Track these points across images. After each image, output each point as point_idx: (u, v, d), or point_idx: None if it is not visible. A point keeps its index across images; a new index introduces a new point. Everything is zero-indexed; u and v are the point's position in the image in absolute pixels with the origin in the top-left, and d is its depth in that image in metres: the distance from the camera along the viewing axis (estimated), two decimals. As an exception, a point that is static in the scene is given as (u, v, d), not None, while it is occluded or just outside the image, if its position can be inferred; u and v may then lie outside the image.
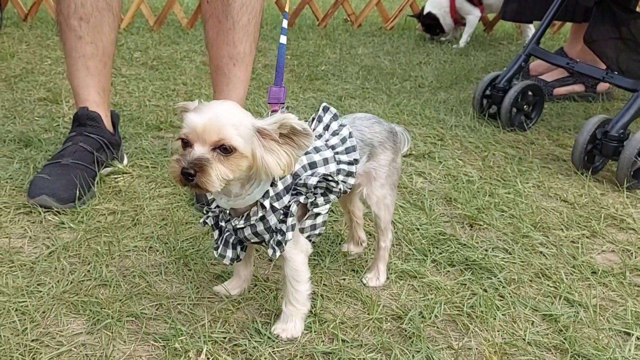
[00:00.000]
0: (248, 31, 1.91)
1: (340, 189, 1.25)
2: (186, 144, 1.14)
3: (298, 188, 1.22)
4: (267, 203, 1.19)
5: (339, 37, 4.00)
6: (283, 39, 1.37)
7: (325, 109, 1.34)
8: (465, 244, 1.68)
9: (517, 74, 2.66)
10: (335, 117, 1.33)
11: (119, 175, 1.90)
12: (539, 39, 2.63)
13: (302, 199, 1.22)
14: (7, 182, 1.80)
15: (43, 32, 3.35)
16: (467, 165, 2.19)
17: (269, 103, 1.31)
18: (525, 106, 2.61)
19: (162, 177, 1.92)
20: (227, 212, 1.26)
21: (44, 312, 1.30)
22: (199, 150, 1.12)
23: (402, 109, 2.70)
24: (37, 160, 1.95)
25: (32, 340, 1.21)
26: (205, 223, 1.32)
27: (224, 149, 1.12)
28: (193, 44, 3.49)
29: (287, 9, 1.42)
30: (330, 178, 1.23)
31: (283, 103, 1.31)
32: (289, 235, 1.20)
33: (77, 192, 1.69)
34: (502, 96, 2.59)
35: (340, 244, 1.65)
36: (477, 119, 2.63)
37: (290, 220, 1.20)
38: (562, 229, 1.81)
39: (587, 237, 1.78)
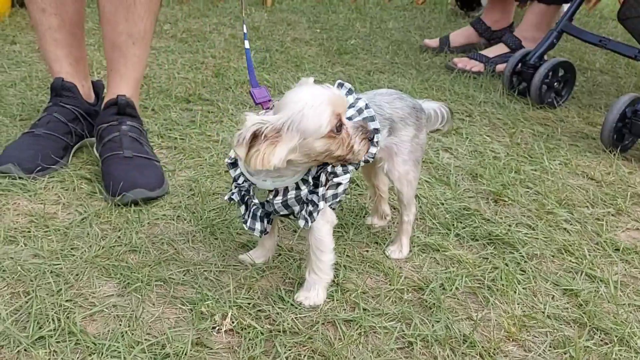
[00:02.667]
0: (150, 8, 1.84)
1: (359, 161, 1.28)
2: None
3: None
4: (310, 178, 1.23)
5: (370, 10, 3.98)
6: (247, 44, 1.41)
7: (340, 85, 1.35)
8: (489, 219, 1.69)
9: (549, 50, 2.63)
10: (350, 92, 1.34)
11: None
12: (572, 15, 2.59)
13: (329, 168, 1.25)
14: (41, 150, 1.85)
15: None
16: (494, 142, 2.19)
17: (257, 104, 1.32)
18: (555, 83, 2.58)
19: (189, 148, 1.95)
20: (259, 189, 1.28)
21: (77, 275, 1.35)
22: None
23: (431, 84, 2.69)
24: (70, 129, 1.99)
25: (66, 301, 1.26)
26: (230, 199, 1.34)
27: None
28: (222, 17, 3.50)
29: (243, 14, 1.44)
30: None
31: (271, 100, 1.32)
32: (321, 204, 1.23)
33: (42, 162, 1.70)
34: (532, 73, 2.56)
35: (364, 217, 1.67)
36: (506, 96, 2.61)
37: (321, 190, 1.23)
38: (587, 206, 1.81)
39: (612, 215, 1.77)
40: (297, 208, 1.26)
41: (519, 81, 2.65)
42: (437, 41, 3.21)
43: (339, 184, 1.29)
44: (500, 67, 2.90)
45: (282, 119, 1.15)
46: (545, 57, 2.64)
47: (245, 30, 1.41)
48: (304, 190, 1.24)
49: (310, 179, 1.24)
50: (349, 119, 1.31)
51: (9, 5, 3.09)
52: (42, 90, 2.28)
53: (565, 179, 1.96)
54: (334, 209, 1.34)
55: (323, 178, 1.24)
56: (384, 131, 1.38)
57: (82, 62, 1.91)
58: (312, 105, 1.15)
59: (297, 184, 1.24)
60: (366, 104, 1.34)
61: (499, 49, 2.99)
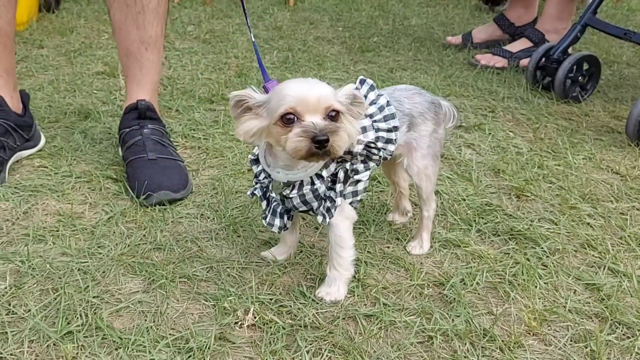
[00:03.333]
0: (159, 13, 1.85)
1: (380, 156, 1.28)
2: (289, 120, 1.17)
3: (343, 156, 1.25)
4: (325, 173, 1.24)
5: (392, 7, 3.97)
6: (252, 38, 1.46)
7: (362, 81, 1.37)
8: (511, 215, 1.69)
9: (573, 44, 2.60)
10: (372, 88, 1.36)
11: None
12: (596, 8, 2.56)
13: (347, 165, 1.26)
14: (68, 152, 1.89)
15: (100, 7, 3.45)
16: (517, 137, 2.18)
17: None
18: (580, 77, 2.55)
19: (213, 148, 1.98)
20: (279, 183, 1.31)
21: (103, 272, 1.38)
22: (316, 119, 1.17)
23: (454, 80, 2.69)
24: (95, 131, 2.04)
25: (94, 297, 1.30)
26: (253, 194, 1.37)
27: (332, 116, 1.18)
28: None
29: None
30: (372, 146, 1.26)
31: None
32: (339, 201, 1.25)
33: None
34: (556, 67, 2.54)
35: (385, 213, 1.68)
36: (530, 91, 2.60)
37: (338, 187, 1.25)
38: (611, 201, 1.79)
39: (637, 209, 1.76)
40: (315, 204, 1.28)
41: (543, 76, 2.63)
42: (459, 38, 3.20)
43: (358, 181, 1.30)
44: (524, 61, 2.88)
45: (263, 98, 1.20)
46: (570, 50, 2.61)
47: (249, 24, 1.45)
48: (322, 186, 1.26)
49: (324, 174, 1.25)
50: (370, 116, 1.33)
51: (36, 11, 3.16)
52: (69, 93, 2.33)
53: (589, 174, 1.94)
54: (355, 207, 1.35)
55: (341, 175, 1.25)
56: (403, 127, 1.39)
57: (11, 73, 1.85)
58: (280, 94, 1.18)
59: (311, 178, 1.25)
60: (387, 101, 1.35)
61: (522, 43, 2.97)
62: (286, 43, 3.11)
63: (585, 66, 2.58)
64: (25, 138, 1.83)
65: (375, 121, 1.32)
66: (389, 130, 1.33)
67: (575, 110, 2.46)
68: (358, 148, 1.25)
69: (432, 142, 1.45)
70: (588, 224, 1.67)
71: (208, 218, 1.62)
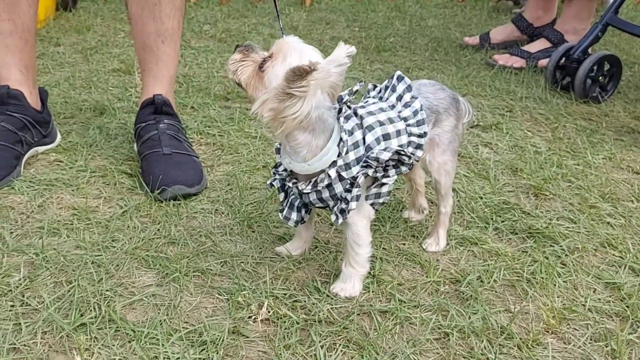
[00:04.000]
0: (175, 6, 1.84)
1: (411, 164, 1.27)
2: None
3: (369, 161, 1.24)
4: (332, 172, 1.22)
5: (409, 8, 3.95)
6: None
7: (400, 79, 1.35)
8: (529, 213, 1.66)
9: (593, 44, 2.57)
10: (409, 89, 1.34)
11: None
12: (617, 8, 2.53)
13: (370, 171, 1.24)
14: (83, 147, 1.89)
15: (117, 6, 3.46)
16: (535, 137, 2.15)
17: None
18: (600, 77, 2.52)
19: (228, 144, 1.97)
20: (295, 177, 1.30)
21: (117, 265, 1.37)
22: (263, 53, 1.22)
23: (471, 80, 2.66)
24: (110, 127, 2.04)
25: (107, 290, 1.29)
26: (271, 185, 1.37)
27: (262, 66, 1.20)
28: (261, 17, 3.53)
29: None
30: (403, 152, 1.24)
31: None
32: (353, 205, 1.23)
33: None
34: (576, 67, 2.51)
35: (401, 210, 1.66)
36: (549, 91, 2.57)
37: (355, 191, 1.23)
38: (632, 201, 1.76)
39: (658, 209, 1.72)
40: (331, 203, 1.27)
41: (563, 76, 2.60)
42: (477, 39, 3.18)
43: (383, 184, 1.28)
44: (542, 62, 2.85)
45: None
46: (590, 50, 2.58)
47: (280, 20, 1.42)
48: (339, 186, 1.24)
49: (345, 175, 1.23)
50: (405, 119, 1.31)
51: (53, 9, 3.17)
52: (85, 89, 2.34)
53: (609, 173, 1.91)
54: (376, 209, 1.33)
55: (361, 180, 1.23)
56: (429, 125, 1.37)
57: (31, 70, 1.85)
58: None
59: (329, 175, 1.23)
60: (421, 105, 1.33)
61: (541, 43, 2.94)
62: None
63: (606, 66, 2.54)
64: (43, 134, 1.83)
65: (408, 125, 1.30)
66: (419, 136, 1.31)
67: (595, 111, 2.43)
68: (385, 155, 1.22)
69: (452, 138, 1.43)
70: (608, 223, 1.64)
71: (222, 213, 1.61)
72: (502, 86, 2.61)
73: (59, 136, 1.93)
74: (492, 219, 1.63)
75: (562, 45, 2.65)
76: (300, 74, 1.12)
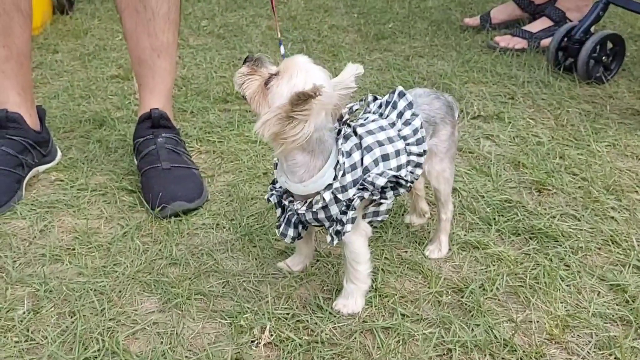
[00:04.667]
0: (169, 19, 1.82)
1: (409, 186, 1.26)
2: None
3: (365, 184, 1.23)
4: (327, 195, 1.21)
5: (408, -11, 3.89)
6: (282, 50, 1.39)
7: (401, 95, 1.33)
8: (531, 212, 1.65)
9: (595, 23, 2.52)
10: (410, 106, 1.31)
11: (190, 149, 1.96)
12: (617, -16, 2.48)
13: (366, 195, 1.23)
14: (83, 163, 1.90)
15: (114, 5, 3.42)
16: (537, 125, 2.13)
17: None
18: (604, 57, 2.47)
19: (228, 151, 1.97)
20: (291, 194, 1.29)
21: (120, 292, 1.38)
22: (272, 68, 1.20)
23: (472, 66, 2.63)
24: (110, 140, 2.04)
25: (110, 320, 1.30)
26: (268, 200, 1.36)
27: (268, 83, 1.18)
28: (259, 8, 3.49)
29: (279, 36, 1.41)
30: (400, 178, 1.23)
31: None
32: (348, 227, 1.22)
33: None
34: (578, 48, 2.47)
35: (402, 215, 1.65)
36: (551, 73, 2.53)
37: (351, 213, 1.22)
38: (636, 191, 1.74)
39: (663, 200, 1.70)
40: (327, 224, 1.26)
41: (565, 57, 2.55)
42: (477, 19, 3.12)
43: (381, 203, 1.27)
44: (545, 41, 2.80)
45: None
46: (592, 29, 2.53)
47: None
48: (335, 208, 1.23)
49: (341, 197, 1.22)
50: (404, 138, 1.29)
51: (50, 14, 3.16)
52: (84, 99, 2.33)
53: (613, 162, 1.89)
54: (374, 226, 1.32)
55: (357, 203, 1.22)
56: (427, 136, 1.35)
57: (28, 90, 1.84)
58: None
59: (323, 198, 1.22)
60: (421, 123, 1.31)
61: (542, 23, 2.88)
62: (301, 34, 3.07)
63: (609, 45, 2.49)
64: (43, 154, 1.84)
65: (408, 144, 1.29)
66: (419, 155, 1.30)
67: (598, 92, 2.39)
68: (381, 181, 1.21)
69: (450, 145, 1.42)
70: (612, 217, 1.63)
71: (224, 228, 1.62)
72: (503, 71, 2.57)
73: (59, 153, 1.93)
74: (494, 219, 1.62)
75: (563, 26, 2.60)
76: (304, 98, 1.11)
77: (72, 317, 1.30)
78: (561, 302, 1.34)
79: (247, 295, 1.37)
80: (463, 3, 3.59)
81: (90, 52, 2.80)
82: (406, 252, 1.52)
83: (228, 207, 1.70)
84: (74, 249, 1.52)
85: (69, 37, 2.99)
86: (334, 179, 1.21)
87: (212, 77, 2.54)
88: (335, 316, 1.31)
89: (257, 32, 3.11)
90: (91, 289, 1.38)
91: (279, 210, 1.37)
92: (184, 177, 1.72)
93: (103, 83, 2.48)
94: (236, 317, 1.30)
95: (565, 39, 2.54)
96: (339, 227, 1.23)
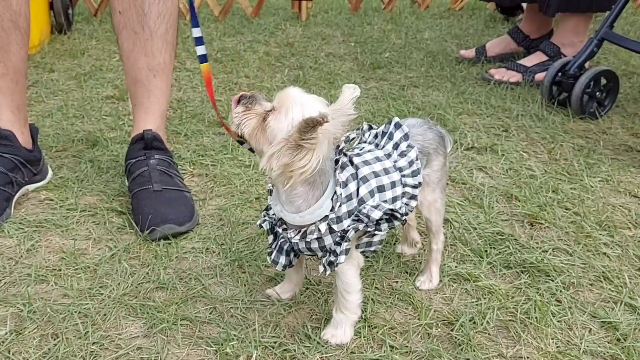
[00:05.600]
0: (167, 40, 1.83)
1: (404, 219, 1.25)
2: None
3: (360, 216, 1.22)
4: (322, 227, 1.20)
5: (405, 20, 3.93)
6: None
7: (397, 126, 1.32)
8: (523, 245, 1.64)
9: (589, 59, 2.55)
10: (406, 137, 1.31)
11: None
12: (612, 22, 2.50)
13: (361, 226, 1.22)
14: (74, 183, 1.88)
15: (112, 25, 3.45)
16: (531, 159, 2.13)
17: None
18: (597, 93, 2.49)
19: (221, 175, 1.96)
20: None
21: (104, 315, 1.36)
22: (266, 105, 1.19)
23: (467, 97, 2.64)
24: (102, 160, 2.02)
25: (93, 343, 1.27)
26: (260, 226, 1.35)
27: (266, 119, 1.17)
28: (257, 34, 3.52)
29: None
30: (395, 211, 1.22)
31: None
32: (342, 258, 1.21)
33: None
34: (572, 83, 2.48)
35: (394, 244, 1.64)
36: (545, 107, 2.54)
37: (345, 245, 1.21)
38: (629, 228, 1.74)
39: (656, 237, 1.70)
40: (320, 254, 1.25)
41: (559, 91, 2.57)
42: (472, 52, 3.15)
43: (374, 234, 1.26)
44: (539, 76, 2.82)
45: None
46: (587, 65, 2.55)
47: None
48: (329, 238, 1.22)
49: (336, 228, 1.21)
50: (400, 169, 1.29)
51: (48, 33, 3.17)
52: (78, 119, 2.33)
53: (606, 198, 1.89)
54: (367, 257, 1.31)
55: (351, 234, 1.21)
56: (421, 167, 1.35)
57: (22, 109, 1.83)
58: None
59: (319, 229, 1.21)
60: (416, 155, 1.31)
61: (537, 57, 2.91)
62: (298, 60, 3.08)
63: (603, 81, 2.51)
64: (34, 172, 1.82)
65: (404, 175, 1.28)
66: (414, 187, 1.29)
67: (592, 128, 2.40)
68: (376, 214, 1.20)
69: (441, 175, 1.41)
70: (604, 253, 1.62)
71: (213, 252, 1.60)
72: (497, 103, 2.58)
73: (50, 172, 1.92)
74: (485, 251, 1.61)
75: (558, 61, 2.62)
76: (312, 125, 1.10)
77: (54, 340, 1.28)
78: (552, 339, 1.32)
79: (234, 322, 1.35)
80: (459, 36, 3.63)
81: (87, 72, 2.80)
82: (397, 282, 1.50)
83: (218, 231, 1.69)
84: (60, 270, 1.50)
85: (65, 56, 3.00)
86: (331, 210, 1.20)
87: (207, 101, 2.54)
88: (323, 346, 1.29)
89: (254, 58, 3.12)
90: (75, 311, 1.36)
91: (271, 237, 1.35)
92: (175, 200, 1.71)
93: (97, 103, 2.48)
94: (222, 345, 1.27)
95: (560, 74, 2.56)
96: (332, 258, 1.22)
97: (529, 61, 2.91)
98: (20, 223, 1.67)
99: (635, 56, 3.24)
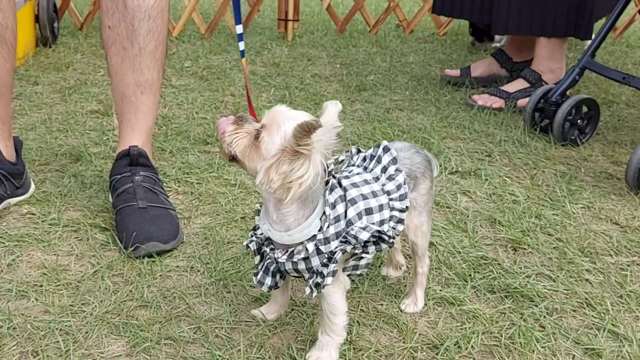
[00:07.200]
0: (155, 57, 1.83)
1: (392, 242, 1.25)
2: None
3: (348, 237, 1.22)
4: (310, 246, 1.20)
5: (390, 43, 3.97)
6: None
7: (386, 150, 1.33)
8: (507, 270, 1.65)
9: (571, 87, 2.59)
10: (394, 161, 1.32)
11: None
12: (594, 51, 2.55)
13: (349, 248, 1.22)
14: (57, 197, 1.86)
15: (97, 40, 3.44)
16: (514, 184, 2.15)
17: None
18: (579, 121, 2.53)
19: (206, 193, 1.95)
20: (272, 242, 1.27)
21: (86, 333, 1.34)
22: (255, 124, 1.19)
23: (451, 122, 2.66)
24: (86, 175, 2.01)
25: (74, 362, 1.25)
26: (247, 247, 1.34)
27: (258, 137, 1.17)
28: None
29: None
30: (383, 233, 1.22)
31: None
32: (328, 280, 1.21)
33: None
34: (555, 110, 2.52)
35: (379, 267, 1.64)
36: (527, 133, 2.58)
37: (332, 267, 1.21)
38: (610, 255, 1.76)
39: (637, 264, 1.72)
40: (307, 275, 1.24)
41: (541, 118, 2.61)
42: (458, 71, 3.20)
43: (361, 257, 1.26)
44: (521, 102, 2.87)
45: None
46: (568, 93, 2.60)
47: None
48: (316, 260, 1.21)
49: (323, 250, 1.21)
50: (388, 193, 1.30)
51: (33, 46, 3.15)
52: (62, 133, 2.31)
53: (588, 224, 1.91)
54: (353, 280, 1.31)
55: (338, 256, 1.21)
56: (408, 191, 1.35)
57: (7, 122, 1.82)
58: None
59: (306, 248, 1.21)
60: (404, 179, 1.32)
61: (519, 84, 2.95)
62: (284, 81, 3.09)
63: (584, 109, 2.56)
64: (16, 186, 1.80)
65: (391, 199, 1.29)
66: (401, 211, 1.30)
67: (573, 155, 2.43)
68: (364, 236, 1.20)
69: (428, 199, 1.42)
70: (587, 280, 1.63)
71: (198, 271, 1.59)
72: (481, 128, 2.61)
73: (32, 186, 1.89)
74: (470, 275, 1.61)
75: (540, 88, 2.66)
76: (307, 129, 1.10)
77: (34, 357, 1.26)
78: (536, 364, 1.33)
79: (219, 343, 1.34)
80: (443, 60, 3.67)
81: (71, 86, 2.79)
82: (382, 304, 1.50)
83: (203, 250, 1.67)
84: (41, 286, 1.47)
85: (50, 69, 2.98)
86: (319, 230, 1.20)
87: (193, 118, 2.54)
88: (308, 368, 1.28)
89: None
90: (57, 329, 1.33)
91: (257, 258, 1.35)
92: (160, 217, 1.69)
93: (82, 118, 2.46)
94: (206, 365, 1.26)
95: (542, 101, 2.60)
96: (319, 280, 1.21)
97: (511, 87, 2.95)
98: (1, 237, 1.65)
99: (614, 85, 3.30)
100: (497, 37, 3.94)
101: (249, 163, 1.18)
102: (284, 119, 1.17)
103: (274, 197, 1.19)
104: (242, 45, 1.65)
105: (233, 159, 1.21)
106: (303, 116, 1.19)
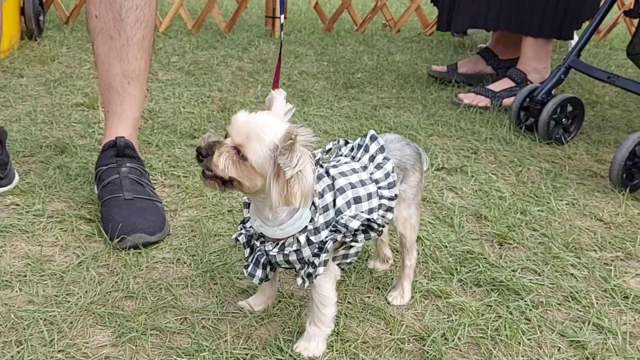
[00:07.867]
0: (143, 47, 1.81)
1: (381, 230, 1.25)
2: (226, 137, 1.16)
3: (338, 226, 1.22)
4: (302, 238, 1.20)
5: (377, 42, 3.98)
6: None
7: (373, 139, 1.33)
8: (493, 264, 1.66)
9: (556, 86, 2.61)
10: (381, 150, 1.32)
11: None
12: (579, 51, 2.58)
13: (339, 237, 1.22)
14: (41, 189, 1.84)
15: (84, 34, 3.41)
16: (500, 180, 2.16)
17: None
18: (563, 119, 2.55)
19: (193, 186, 1.94)
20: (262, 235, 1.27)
21: (71, 323, 1.32)
22: (227, 140, 1.14)
23: (437, 120, 2.67)
24: (71, 167, 1.99)
25: (59, 351, 1.24)
26: (236, 240, 1.33)
27: (241, 154, 1.13)
28: (230, 49, 3.52)
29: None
30: (373, 221, 1.22)
31: None
32: (320, 270, 1.20)
33: None
34: (540, 109, 2.54)
35: (366, 260, 1.64)
36: (513, 132, 2.59)
37: (323, 256, 1.20)
38: (595, 250, 1.77)
39: (620, 260, 1.73)
40: (298, 266, 1.24)
41: (527, 117, 2.63)
42: (444, 67, 3.22)
43: (351, 246, 1.26)
44: (506, 101, 2.89)
45: None
46: (554, 92, 2.62)
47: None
48: (307, 250, 1.21)
49: (314, 240, 1.21)
50: (376, 181, 1.29)
51: (18, 38, 3.11)
52: (47, 125, 2.29)
53: (572, 220, 1.92)
54: (343, 269, 1.31)
55: (329, 245, 1.21)
56: (398, 182, 1.35)
57: None
58: None
59: (298, 240, 1.21)
60: (392, 167, 1.32)
61: (505, 83, 2.97)
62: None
63: (569, 108, 2.58)
64: (0, 176, 1.77)
65: (380, 187, 1.29)
66: (390, 199, 1.30)
67: (558, 153, 2.45)
68: (355, 224, 1.20)
69: (417, 192, 1.43)
70: (572, 274, 1.65)
71: (184, 263, 1.58)
72: (467, 126, 2.63)
73: (16, 177, 1.87)
74: (456, 269, 1.62)
75: (526, 87, 2.68)
76: (292, 142, 1.08)
77: (18, 347, 1.24)
78: (522, 356, 1.34)
79: (206, 333, 1.33)
80: (429, 59, 3.68)
81: (56, 78, 2.76)
82: (369, 297, 1.50)
83: (190, 242, 1.66)
84: (25, 276, 1.46)
85: (35, 62, 2.95)
86: (310, 221, 1.19)
87: (179, 112, 2.53)
88: (295, 359, 1.28)
89: (227, 72, 3.12)
90: (41, 318, 1.32)
91: (247, 250, 1.34)
92: (146, 209, 1.68)
93: (67, 110, 2.44)
94: (193, 356, 1.25)
95: (528, 100, 2.62)
96: (310, 270, 1.21)
97: (497, 86, 2.97)
98: (-16, 227, 1.63)
99: (598, 86, 3.34)
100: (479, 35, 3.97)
101: (248, 183, 1.15)
102: (259, 129, 1.14)
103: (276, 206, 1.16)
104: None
105: (225, 183, 1.17)
106: (266, 117, 1.17)
